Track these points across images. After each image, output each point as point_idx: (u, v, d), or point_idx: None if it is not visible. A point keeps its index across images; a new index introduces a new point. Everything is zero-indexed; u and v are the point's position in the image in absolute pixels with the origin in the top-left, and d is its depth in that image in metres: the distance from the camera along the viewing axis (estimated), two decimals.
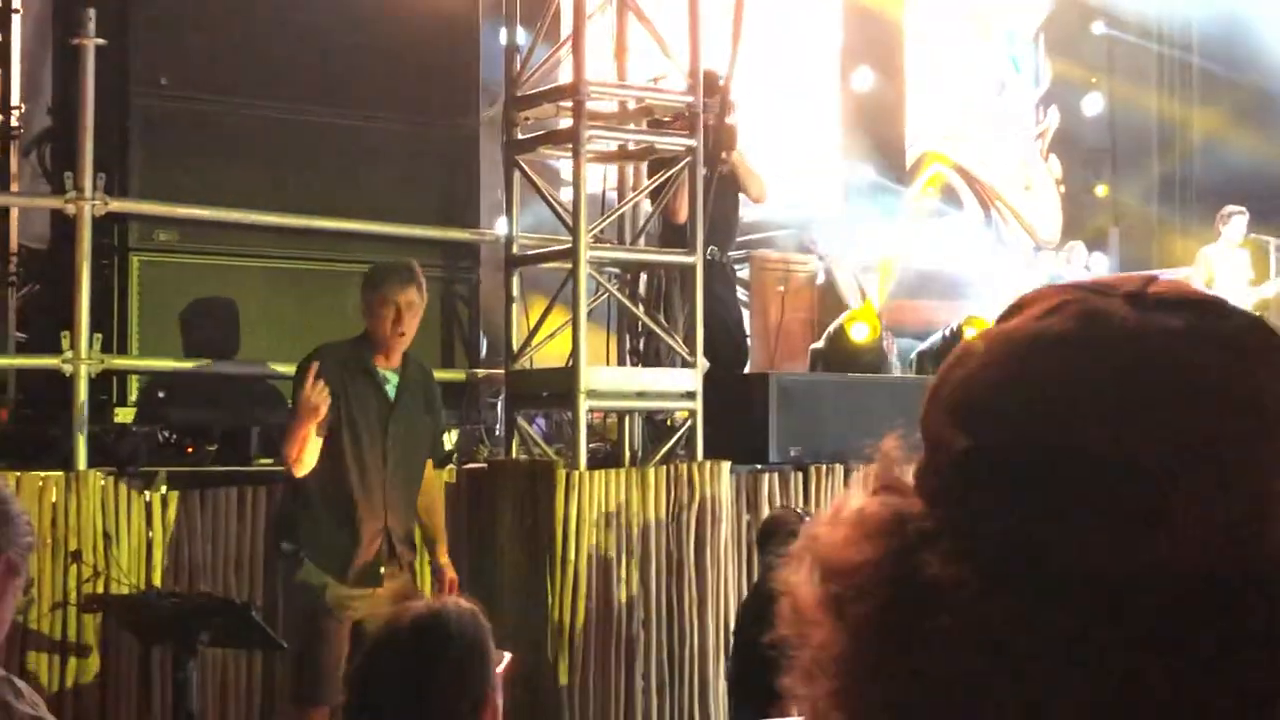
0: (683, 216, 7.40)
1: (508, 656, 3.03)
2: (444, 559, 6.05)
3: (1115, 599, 0.73)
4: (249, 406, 6.92)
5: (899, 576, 0.77)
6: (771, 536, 6.29)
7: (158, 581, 6.10)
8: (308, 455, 5.56)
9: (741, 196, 8.46)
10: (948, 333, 9.47)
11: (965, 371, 0.81)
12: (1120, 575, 0.73)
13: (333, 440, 5.67)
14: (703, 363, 7.13)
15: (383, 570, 5.73)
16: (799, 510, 6.65)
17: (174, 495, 6.24)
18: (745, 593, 6.87)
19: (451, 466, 7.13)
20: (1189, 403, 0.75)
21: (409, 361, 5.92)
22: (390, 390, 5.85)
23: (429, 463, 6.06)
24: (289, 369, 6.06)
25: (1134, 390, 0.75)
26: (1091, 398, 0.75)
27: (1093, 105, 17.83)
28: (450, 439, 7.79)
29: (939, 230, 16.03)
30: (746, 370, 9.32)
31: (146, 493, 6.15)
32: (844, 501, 0.83)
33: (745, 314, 10.86)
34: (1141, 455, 0.73)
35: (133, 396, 6.72)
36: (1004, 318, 0.83)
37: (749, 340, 9.30)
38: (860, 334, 8.72)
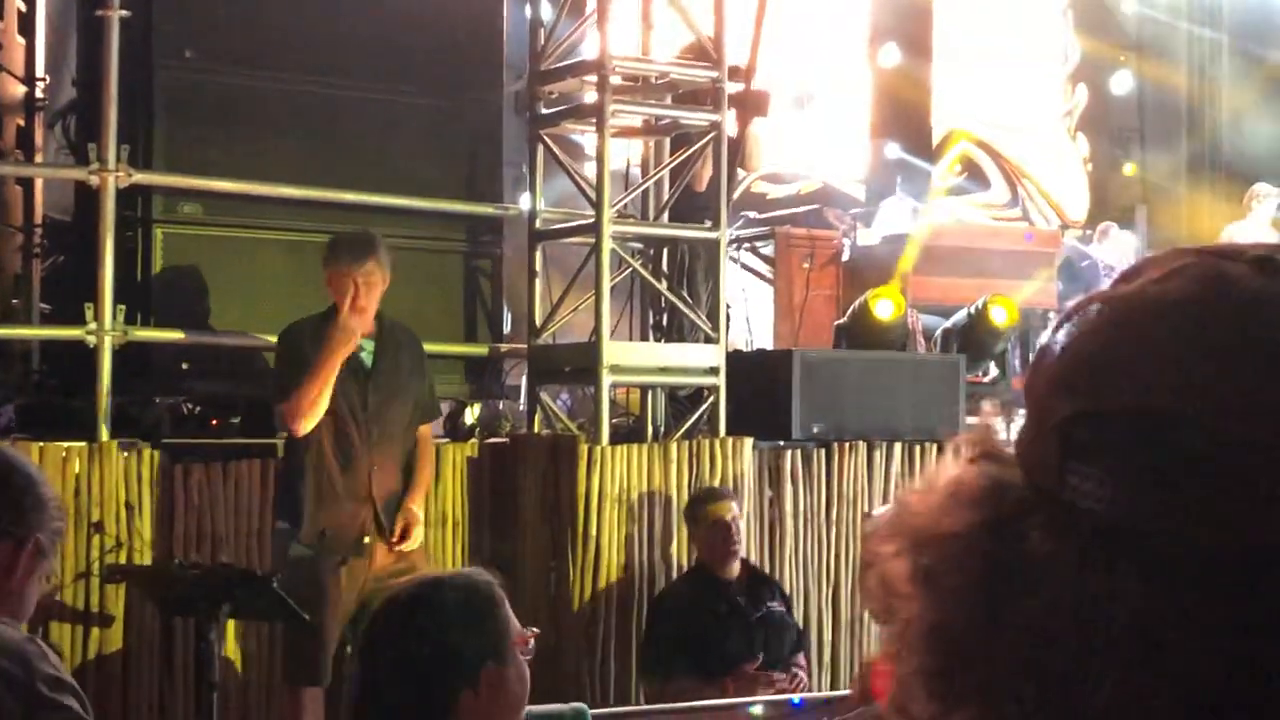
0: (703, 185, 7.37)
1: (531, 638, 2.91)
2: (411, 504, 5.79)
3: (1225, 579, 0.68)
4: (272, 378, 6.91)
5: (994, 549, 0.73)
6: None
7: (180, 553, 6.11)
8: (321, 405, 5.55)
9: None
10: (972, 311, 9.42)
11: (1072, 337, 0.76)
12: (1232, 555, 0.68)
13: None
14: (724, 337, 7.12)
15: (367, 540, 5.67)
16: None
17: (196, 466, 6.25)
18: (767, 569, 6.87)
19: (474, 440, 7.13)
20: None
21: (386, 325, 5.84)
22: (366, 357, 5.78)
23: (429, 425, 6.02)
24: None
25: (1255, 362, 0.70)
26: (1209, 367, 0.70)
27: (1121, 84, 17.71)
28: (473, 413, 7.79)
29: (965, 207, 15.97)
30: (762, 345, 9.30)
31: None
32: (938, 470, 0.79)
33: (769, 290, 10.84)
34: (1260, 431, 0.68)
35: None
36: (1120, 281, 0.78)
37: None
38: (885, 311, 8.67)
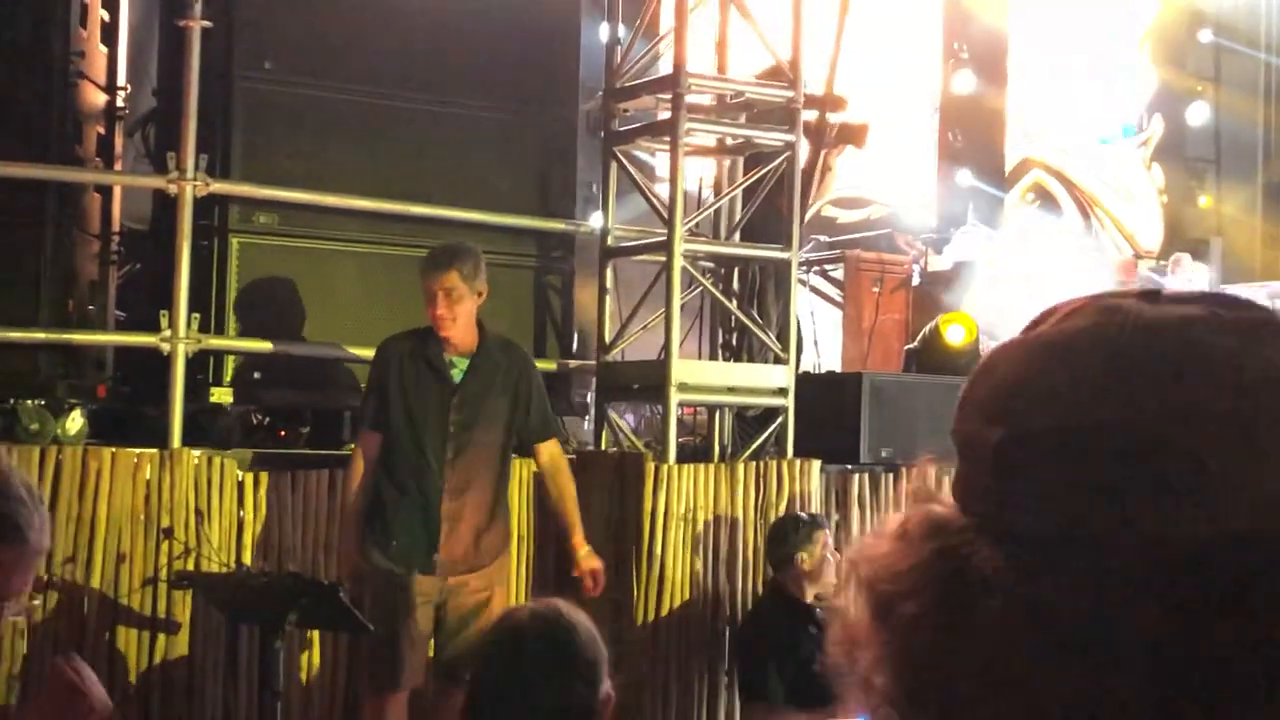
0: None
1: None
2: (577, 544, 5.93)
3: (1162, 570, 0.73)
4: (341, 390, 6.95)
5: (945, 572, 0.78)
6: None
7: (248, 561, 6.14)
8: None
9: None
10: None
11: (992, 377, 0.83)
12: (1166, 546, 0.73)
13: (392, 429, 5.71)
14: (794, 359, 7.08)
15: (436, 557, 5.66)
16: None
17: (264, 475, 6.28)
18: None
19: None
20: (1210, 380, 0.76)
21: (487, 344, 5.80)
22: (456, 374, 5.76)
23: (550, 443, 5.96)
24: None
25: (1158, 370, 0.76)
26: (1119, 380, 0.77)
27: (1198, 114, 17.56)
28: None
29: (1037, 235, 15.86)
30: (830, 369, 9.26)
31: (239, 472, 6.20)
32: (886, 522, 0.86)
33: (838, 314, 10.80)
34: (1173, 430, 0.74)
35: (228, 377, 6.77)
36: (1027, 329, 0.85)
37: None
38: (956, 336, 8.61)
